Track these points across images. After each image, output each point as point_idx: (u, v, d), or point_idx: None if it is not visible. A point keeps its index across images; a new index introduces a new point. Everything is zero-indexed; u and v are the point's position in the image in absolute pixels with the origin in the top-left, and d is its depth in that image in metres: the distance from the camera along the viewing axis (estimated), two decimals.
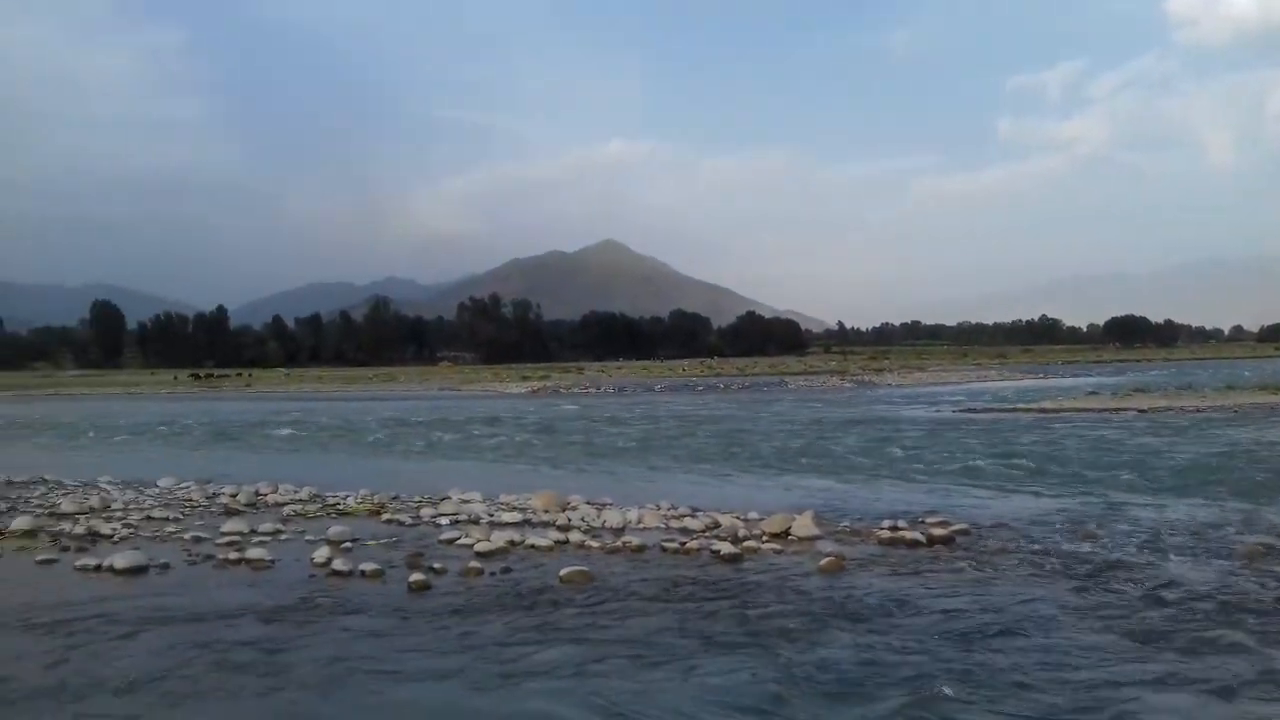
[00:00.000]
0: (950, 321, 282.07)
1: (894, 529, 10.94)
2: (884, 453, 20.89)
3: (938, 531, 10.66)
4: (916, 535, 10.51)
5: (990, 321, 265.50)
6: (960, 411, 34.72)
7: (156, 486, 15.74)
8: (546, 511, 12.50)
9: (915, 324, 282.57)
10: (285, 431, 32.28)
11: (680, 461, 20.60)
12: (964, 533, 10.84)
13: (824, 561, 9.21)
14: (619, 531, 11.20)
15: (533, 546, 10.26)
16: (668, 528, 11.41)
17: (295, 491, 14.76)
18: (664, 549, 10.09)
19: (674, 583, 8.58)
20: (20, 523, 11.48)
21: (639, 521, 11.70)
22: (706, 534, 10.86)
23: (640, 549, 10.12)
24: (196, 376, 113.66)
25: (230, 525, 11.31)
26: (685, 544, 10.16)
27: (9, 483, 16.58)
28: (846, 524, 11.63)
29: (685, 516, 12.05)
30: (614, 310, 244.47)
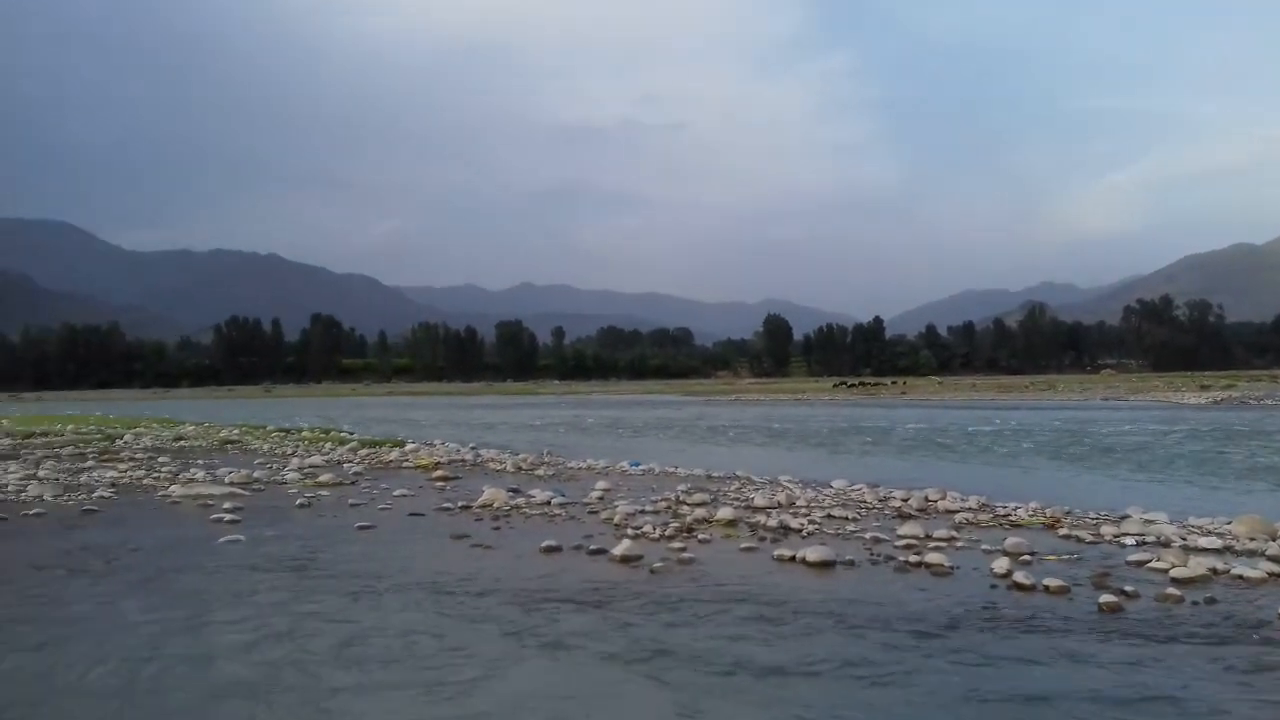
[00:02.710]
0: None
1: None
2: None
3: None
4: None
5: None
6: None
7: (831, 487, 16.77)
8: (1251, 539, 10.95)
9: None
10: (944, 439, 32.59)
11: None
12: None
13: None
14: None
15: (1240, 577, 9.03)
16: None
17: (963, 499, 14.76)
18: None
19: None
20: (724, 513, 12.96)
21: None
22: None
23: None
24: (844, 384, 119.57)
25: (905, 529, 11.61)
26: None
27: (709, 476, 18.86)
28: None
29: None
30: None
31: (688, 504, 14.25)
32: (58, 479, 17.71)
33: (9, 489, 16.23)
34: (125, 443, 27.63)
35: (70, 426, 35.39)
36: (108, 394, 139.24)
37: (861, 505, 14.32)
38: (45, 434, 31.41)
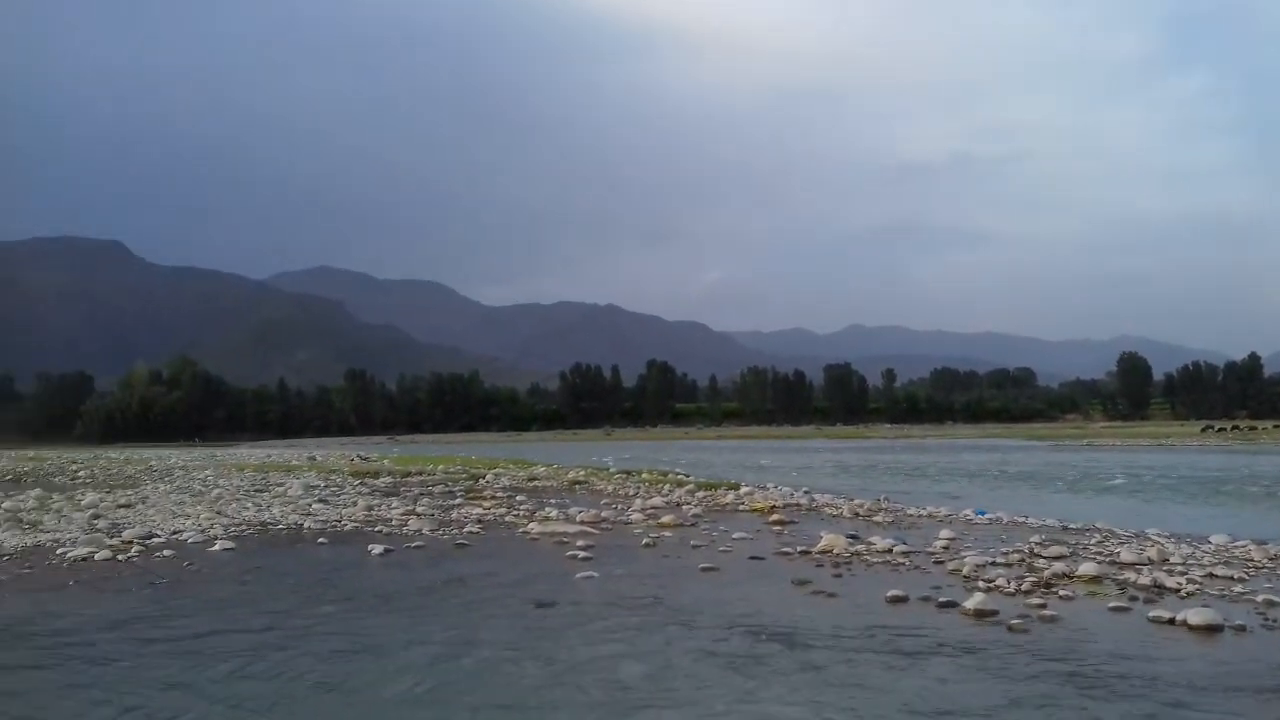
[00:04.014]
0: None
1: None
2: None
3: None
4: None
5: None
6: None
7: (1209, 542, 15.14)
8: None
9: None
10: None
11: None
12: None
13: None
14: None
15: None
16: None
17: None
18: None
19: None
20: (1086, 568, 12.00)
21: None
22: None
23: None
24: (1214, 428, 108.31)
25: None
26: None
27: (1064, 528, 17.60)
28: None
29: None
30: None
31: (1043, 557, 13.36)
32: (433, 514, 19.56)
33: (393, 523, 18.12)
34: (487, 482, 29.99)
35: (440, 466, 38.95)
36: (469, 437, 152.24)
37: (1248, 564, 12.81)
38: (420, 473, 34.78)
